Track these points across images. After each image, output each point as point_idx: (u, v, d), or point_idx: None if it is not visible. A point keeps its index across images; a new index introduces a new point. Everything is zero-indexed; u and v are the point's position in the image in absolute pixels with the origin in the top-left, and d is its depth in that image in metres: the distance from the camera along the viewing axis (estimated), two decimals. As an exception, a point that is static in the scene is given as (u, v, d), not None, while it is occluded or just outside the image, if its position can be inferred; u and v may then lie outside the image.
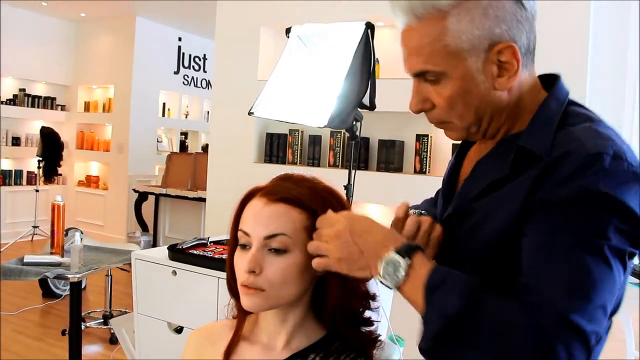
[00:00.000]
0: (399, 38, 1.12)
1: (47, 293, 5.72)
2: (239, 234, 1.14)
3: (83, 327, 4.90)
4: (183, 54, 9.46)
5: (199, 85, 9.84)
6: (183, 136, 10.01)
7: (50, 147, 8.18)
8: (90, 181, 9.40)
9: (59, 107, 9.35)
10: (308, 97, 2.60)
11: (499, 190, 1.07)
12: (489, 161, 1.15)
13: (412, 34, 1.07)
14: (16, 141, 8.78)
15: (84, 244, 5.43)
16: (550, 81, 1.15)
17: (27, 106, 8.82)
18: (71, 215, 9.28)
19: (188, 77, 9.61)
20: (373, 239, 1.04)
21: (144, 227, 7.74)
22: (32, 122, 9.04)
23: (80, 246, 2.86)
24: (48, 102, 9.14)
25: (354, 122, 2.55)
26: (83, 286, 6.05)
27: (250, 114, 2.78)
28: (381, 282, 1.03)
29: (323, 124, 2.49)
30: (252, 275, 1.09)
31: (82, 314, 5.19)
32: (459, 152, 1.29)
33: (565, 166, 0.96)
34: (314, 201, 1.13)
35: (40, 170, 8.33)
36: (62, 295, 5.73)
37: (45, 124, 8.72)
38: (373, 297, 1.18)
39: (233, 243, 1.17)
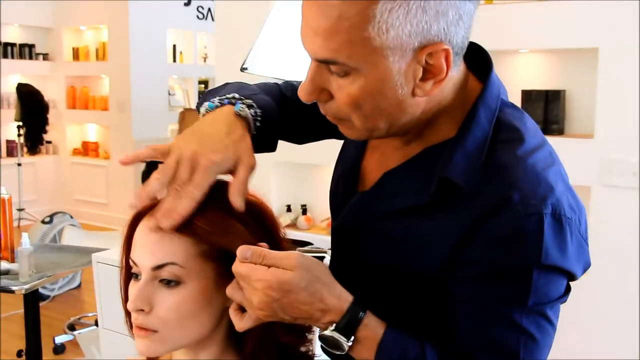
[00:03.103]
0: None
1: (31, 295, 5.98)
2: (130, 261, 1.20)
3: (71, 337, 5.13)
4: (195, -23, 9.51)
5: (218, 18, 9.86)
6: (202, 85, 10.12)
7: (31, 108, 8.40)
8: (87, 149, 9.64)
9: (41, 57, 9.60)
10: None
11: (416, 217, 1.17)
12: (403, 175, 1.22)
13: (325, 9, 1.05)
14: (-12, 103, 9.04)
15: (67, 234, 5.65)
16: (473, 57, 1.21)
17: (-1, 57, 9.02)
18: (68, 192, 9.57)
19: (203, 8, 9.65)
20: (307, 311, 1.10)
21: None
22: (7, 77, 9.24)
23: (29, 250, 2.93)
24: (25, 51, 9.40)
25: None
26: (77, 284, 6.30)
27: (243, 69, 2.81)
28: None
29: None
30: (140, 314, 1.15)
31: (72, 319, 5.45)
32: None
33: (503, 223, 1.08)
34: (208, 225, 1.16)
35: (22, 138, 8.60)
36: (50, 296, 5.98)
37: (24, 79, 8.96)
38: (309, 329, 1.25)
39: (126, 272, 1.23)
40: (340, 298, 1.11)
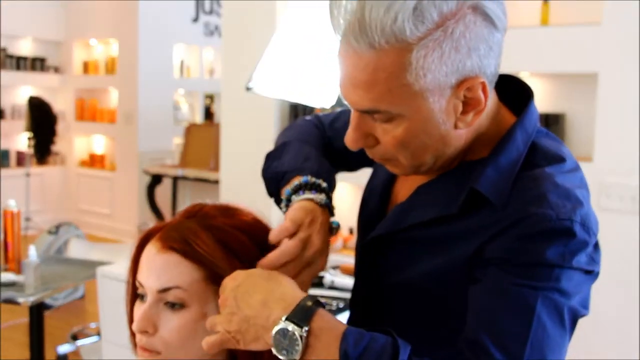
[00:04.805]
0: None
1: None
2: (137, 282, 1.22)
3: (74, 347, 5.11)
4: (203, -5, 9.56)
5: (225, 34, 9.88)
6: (208, 99, 10.14)
7: (41, 120, 8.41)
8: (94, 160, 9.64)
9: (52, 69, 9.61)
10: (314, 67, 2.60)
11: (444, 226, 1.18)
12: (434, 190, 1.24)
13: (360, 62, 1.07)
14: (-1, 114, 9.04)
15: (72, 245, 5.66)
16: (507, 88, 1.24)
17: (11, 69, 9.02)
18: (74, 202, 9.59)
19: (210, 25, 9.68)
20: (256, 300, 1.08)
21: (159, 217, 7.90)
22: (19, 88, 9.29)
23: (35, 262, 2.97)
24: (37, 64, 9.39)
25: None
26: (81, 294, 6.30)
27: (248, 89, 2.82)
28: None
29: (330, 103, 2.49)
30: (145, 335, 1.18)
31: (75, 329, 5.44)
32: None
33: (532, 224, 1.08)
34: (211, 251, 1.18)
35: (31, 149, 8.60)
36: (54, 306, 5.95)
37: (35, 91, 8.97)
38: None
39: (132, 292, 1.25)
40: (296, 290, 1.11)
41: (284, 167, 1.39)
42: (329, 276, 2.67)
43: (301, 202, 1.27)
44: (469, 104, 1.11)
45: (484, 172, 1.14)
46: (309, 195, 1.28)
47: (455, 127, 1.13)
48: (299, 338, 1.02)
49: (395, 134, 1.12)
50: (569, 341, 1.11)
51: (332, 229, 1.29)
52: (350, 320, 1.39)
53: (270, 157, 1.48)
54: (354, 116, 1.15)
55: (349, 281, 2.67)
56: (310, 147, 1.45)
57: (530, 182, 1.12)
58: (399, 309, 1.28)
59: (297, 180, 1.32)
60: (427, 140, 1.13)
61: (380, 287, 1.31)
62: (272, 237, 1.21)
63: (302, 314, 1.04)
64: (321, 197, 1.28)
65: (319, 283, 2.62)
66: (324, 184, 1.32)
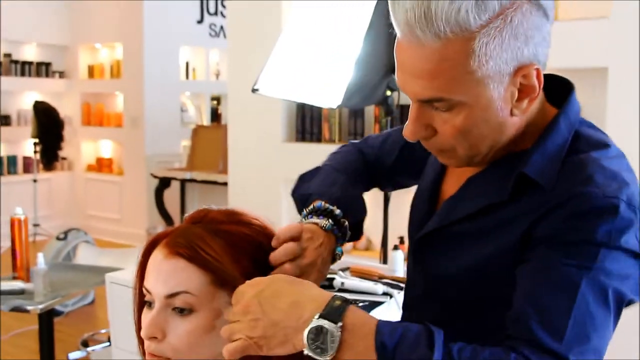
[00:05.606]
0: None
1: (45, 311, 5.97)
2: (144, 289, 1.22)
3: (85, 353, 5.13)
4: (207, -4, 9.57)
5: (230, 36, 9.88)
6: (215, 101, 10.15)
7: (47, 125, 8.44)
8: (102, 165, 9.66)
9: (57, 74, 9.63)
10: (320, 67, 2.59)
11: (494, 214, 1.23)
12: (484, 180, 1.29)
13: (424, 53, 1.12)
14: (5, 120, 9.04)
15: (81, 251, 5.68)
16: (552, 85, 1.28)
17: (16, 75, 9.06)
18: (82, 208, 9.61)
19: (215, 26, 9.67)
20: (284, 303, 1.09)
21: (168, 220, 7.92)
22: (24, 94, 9.30)
23: (44, 270, 2.99)
24: (42, 69, 9.41)
25: (388, 93, 2.52)
26: (91, 300, 6.31)
27: (254, 90, 2.82)
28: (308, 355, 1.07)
29: (336, 103, 2.47)
30: (153, 341, 1.18)
31: (86, 336, 5.45)
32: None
33: (579, 203, 1.12)
34: (218, 256, 1.19)
35: (38, 154, 8.63)
36: (64, 312, 5.98)
37: (41, 97, 9.01)
38: None
39: (140, 299, 1.26)
40: (323, 291, 1.13)
41: (310, 190, 1.46)
42: (339, 278, 2.66)
43: (307, 225, 1.33)
44: (524, 91, 1.16)
45: (531, 157, 1.19)
46: (315, 219, 1.35)
47: (511, 114, 1.18)
48: (334, 335, 1.04)
49: (455, 122, 1.16)
50: (614, 324, 1.13)
51: (335, 255, 1.36)
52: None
53: (301, 179, 1.55)
54: (413, 107, 1.19)
55: (358, 283, 2.67)
56: (341, 175, 1.51)
57: (577, 166, 1.17)
58: (456, 304, 1.31)
59: (313, 205, 1.38)
60: (486, 128, 1.17)
61: (436, 283, 1.35)
62: (280, 233, 1.28)
63: (334, 311, 1.06)
64: (326, 222, 1.34)
65: (329, 285, 2.61)
66: (337, 211, 1.37)
